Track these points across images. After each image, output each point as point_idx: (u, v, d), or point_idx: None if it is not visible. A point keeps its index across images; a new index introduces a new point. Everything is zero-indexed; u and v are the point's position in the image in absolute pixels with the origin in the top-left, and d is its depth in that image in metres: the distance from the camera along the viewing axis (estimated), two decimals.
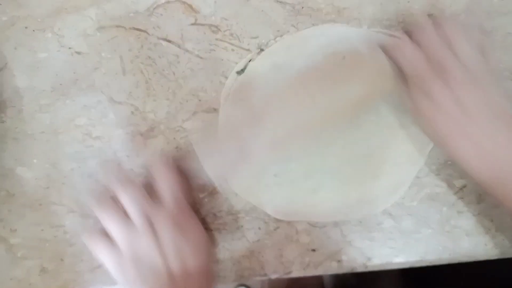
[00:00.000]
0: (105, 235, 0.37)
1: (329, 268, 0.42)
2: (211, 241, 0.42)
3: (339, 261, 0.42)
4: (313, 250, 0.43)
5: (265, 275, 0.43)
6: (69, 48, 0.45)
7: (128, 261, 0.36)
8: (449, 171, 0.43)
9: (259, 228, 0.43)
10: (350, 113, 0.42)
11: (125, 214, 0.37)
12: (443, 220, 0.42)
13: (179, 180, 0.39)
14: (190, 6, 0.46)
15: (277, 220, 0.43)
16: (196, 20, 0.45)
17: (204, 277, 0.37)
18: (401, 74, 0.40)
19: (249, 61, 0.44)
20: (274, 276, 0.42)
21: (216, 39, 0.45)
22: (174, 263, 0.35)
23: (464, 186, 0.43)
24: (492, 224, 0.42)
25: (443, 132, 0.38)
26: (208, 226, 0.43)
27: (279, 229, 0.43)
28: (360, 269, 0.42)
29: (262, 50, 0.45)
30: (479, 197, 0.42)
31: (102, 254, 0.37)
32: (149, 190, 0.39)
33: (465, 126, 0.36)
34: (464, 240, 0.42)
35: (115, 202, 0.37)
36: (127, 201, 0.37)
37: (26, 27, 0.46)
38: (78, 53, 0.45)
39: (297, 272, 0.43)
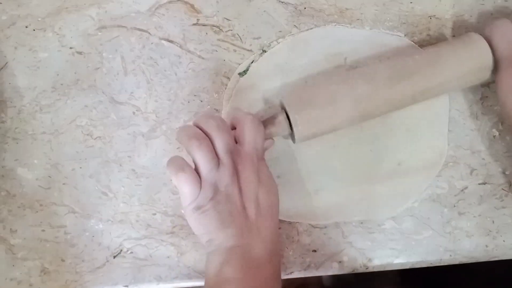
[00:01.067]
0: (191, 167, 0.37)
1: (330, 269, 0.42)
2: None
3: (340, 262, 0.42)
4: (314, 251, 0.43)
5: None
6: (70, 48, 0.45)
7: (208, 193, 0.36)
8: (451, 173, 0.43)
9: None
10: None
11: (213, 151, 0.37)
12: (444, 222, 0.42)
13: (263, 135, 0.39)
14: (192, 6, 0.45)
15: (279, 221, 0.43)
16: (198, 20, 0.45)
17: (274, 225, 0.38)
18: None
19: (252, 62, 0.44)
20: None
21: (218, 40, 0.45)
22: (249, 202, 0.37)
23: (466, 188, 0.43)
24: (493, 226, 0.42)
25: None
26: None
27: (280, 229, 0.43)
28: (361, 270, 0.42)
29: (264, 51, 0.44)
30: (480, 199, 0.43)
31: (185, 182, 0.37)
32: None
33: None
34: (465, 242, 0.42)
35: (206, 137, 0.37)
36: (218, 138, 0.37)
37: (26, 26, 0.45)
38: (79, 53, 0.45)
39: (298, 273, 0.42)
